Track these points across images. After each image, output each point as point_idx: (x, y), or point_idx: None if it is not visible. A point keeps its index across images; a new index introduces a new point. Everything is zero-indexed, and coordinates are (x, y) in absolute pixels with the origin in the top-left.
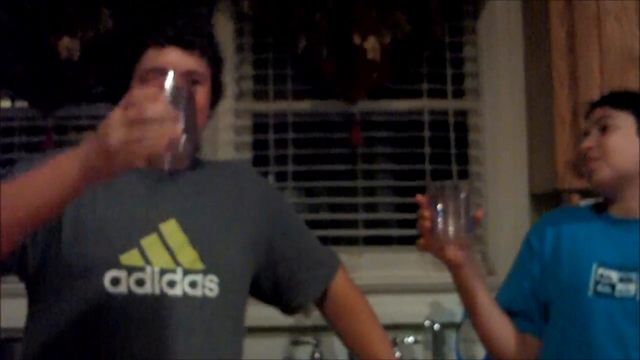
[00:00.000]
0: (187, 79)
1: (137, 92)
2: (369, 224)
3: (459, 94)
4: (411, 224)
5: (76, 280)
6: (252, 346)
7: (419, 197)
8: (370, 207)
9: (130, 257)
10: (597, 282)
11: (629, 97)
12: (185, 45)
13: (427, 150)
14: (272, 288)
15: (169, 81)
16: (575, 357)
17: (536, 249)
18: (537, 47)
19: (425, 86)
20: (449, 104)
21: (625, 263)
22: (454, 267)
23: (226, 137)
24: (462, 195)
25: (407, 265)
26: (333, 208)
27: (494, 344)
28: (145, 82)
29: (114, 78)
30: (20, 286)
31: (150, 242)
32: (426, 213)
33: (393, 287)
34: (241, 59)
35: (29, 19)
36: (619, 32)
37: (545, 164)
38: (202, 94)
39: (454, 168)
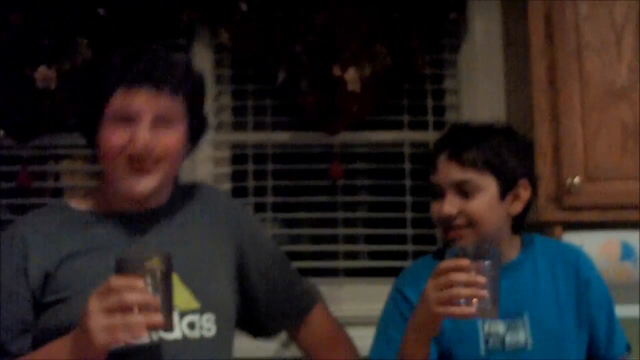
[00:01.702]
0: (168, 262)
1: (116, 281)
2: (349, 256)
3: (440, 126)
4: (388, 255)
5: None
6: None
7: (463, 261)
8: (350, 239)
9: None
10: (487, 339)
11: (488, 153)
12: (155, 84)
13: (407, 182)
14: (246, 314)
15: (148, 266)
16: None
17: (414, 301)
18: (517, 81)
19: (406, 118)
20: (430, 136)
21: (508, 310)
22: (432, 334)
23: (205, 169)
24: (490, 262)
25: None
26: (313, 240)
27: None
28: (112, 121)
29: (84, 114)
30: None
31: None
32: (481, 280)
33: (374, 319)
34: (220, 90)
35: (6, 48)
36: (599, 66)
37: None
38: (173, 137)
39: None
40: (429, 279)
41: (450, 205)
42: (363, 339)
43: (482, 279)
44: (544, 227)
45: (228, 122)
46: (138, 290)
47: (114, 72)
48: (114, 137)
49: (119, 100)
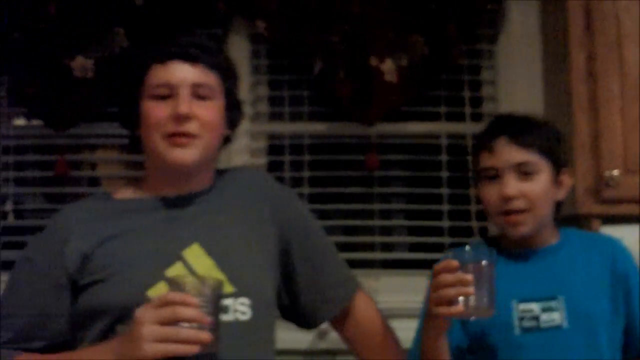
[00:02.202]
0: (220, 287)
1: (172, 295)
2: (386, 247)
3: (477, 117)
4: (425, 247)
5: (106, 320)
6: None
7: (452, 263)
8: (386, 231)
9: (158, 291)
10: (521, 319)
11: (544, 138)
12: (189, 58)
13: (444, 174)
14: (290, 303)
15: (203, 287)
16: None
17: None
18: (556, 71)
19: (442, 109)
20: (467, 128)
21: (543, 293)
22: (441, 331)
23: (241, 159)
24: (484, 263)
25: (425, 289)
26: (349, 231)
27: None
28: (152, 99)
29: (121, 98)
30: None
31: (176, 272)
32: (468, 277)
33: (410, 311)
34: (257, 80)
35: (43, 38)
36: (639, 56)
37: None
38: (212, 109)
39: (472, 192)
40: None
41: (511, 186)
42: (400, 331)
43: (468, 278)
44: (582, 220)
45: (265, 113)
46: (192, 306)
47: (148, 51)
48: (155, 111)
49: (155, 77)
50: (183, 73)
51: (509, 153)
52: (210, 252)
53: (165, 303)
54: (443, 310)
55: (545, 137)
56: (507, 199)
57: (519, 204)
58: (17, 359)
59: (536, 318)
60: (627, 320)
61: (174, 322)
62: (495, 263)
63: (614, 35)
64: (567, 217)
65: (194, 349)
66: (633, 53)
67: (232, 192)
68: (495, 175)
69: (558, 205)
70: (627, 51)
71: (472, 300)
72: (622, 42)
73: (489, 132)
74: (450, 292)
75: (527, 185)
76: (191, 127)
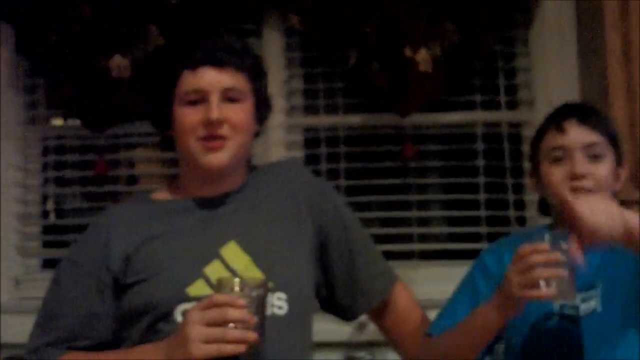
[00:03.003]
0: (265, 286)
1: (220, 297)
2: (423, 238)
3: (512, 105)
4: (463, 237)
5: (149, 319)
6: None
7: (542, 245)
8: (423, 221)
9: (197, 289)
10: (562, 307)
11: (611, 127)
12: (217, 63)
13: (480, 162)
14: (328, 296)
15: (251, 289)
16: None
17: (493, 272)
18: (591, 56)
19: (478, 98)
20: (503, 116)
21: (584, 283)
22: (514, 313)
23: (277, 153)
24: (564, 247)
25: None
26: (386, 223)
27: None
28: (184, 104)
29: (152, 100)
30: (23, 302)
31: (214, 270)
32: (562, 258)
33: None
34: (291, 74)
35: (79, 39)
36: None
37: None
38: (242, 111)
39: (509, 181)
40: (510, 263)
41: (582, 164)
42: None
43: (561, 258)
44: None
45: (300, 106)
46: (239, 307)
47: (177, 57)
48: (187, 117)
49: (186, 83)
50: (212, 78)
51: (579, 133)
52: (247, 249)
53: (212, 305)
54: (531, 292)
55: (612, 125)
56: (577, 177)
57: (587, 183)
58: (65, 358)
59: (576, 307)
60: None
61: (222, 323)
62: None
63: None
64: None
65: (241, 349)
66: None
67: (268, 187)
68: (561, 158)
69: None
70: None
71: (561, 283)
72: None
73: (558, 113)
74: (544, 272)
75: (595, 167)
76: (223, 130)
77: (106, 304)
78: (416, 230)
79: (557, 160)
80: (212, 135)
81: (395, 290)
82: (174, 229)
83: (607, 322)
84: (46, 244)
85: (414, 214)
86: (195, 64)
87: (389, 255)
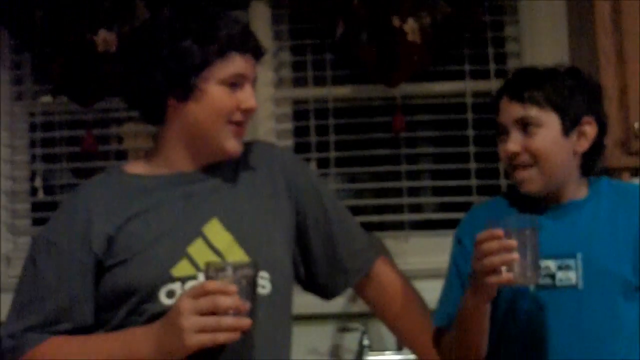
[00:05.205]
0: (256, 269)
1: (211, 285)
2: (414, 208)
3: (501, 74)
4: (454, 207)
5: (133, 300)
6: (299, 334)
7: (495, 231)
8: (414, 192)
9: (182, 269)
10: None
11: (548, 90)
12: (256, 53)
13: (470, 132)
14: (308, 275)
15: (239, 274)
16: (526, 353)
17: (470, 249)
18: (581, 24)
19: (467, 67)
20: (492, 85)
21: (561, 251)
22: (488, 298)
23: (267, 126)
24: (527, 230)
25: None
26: (377, 193)
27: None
28: (223, 84)
29: (170, 76)
30: (14, 281)
31: (197, 249)
32: (513, 242)
33: (441, 271)
34: (279, 46)
35: (65, 14)
36: None
37: None
38: (254, 99)
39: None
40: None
41: (513, 142)
42: (431, 291)
43: (512, 243)
44: (611, 174)
45: (288, 78)
46: (231, 295)
47: (226, 37)
48: (227, 98)
49: (234, 65)
50: (251, 67)
51: (509, 109)
52: (229, 226)
53: (204, 293)
54: (491, 279)
55: (554, 89)
56: (511, 155)
57: (523, 158)
58: (49, 343)
59: (552, 276)
60: None
61: (214, 311)
62: (539, 229)
63: None
64: (596, 170)
65: (236, 336)
66: None
67: (246, 165)
68: (504, 132)
69: (589, 158)
70: None
71: (517, 267)
72: None
73: (498, 92)
74: (495, 259)
75: (530, 140)
76: (246, 123)
77: (88, 287)
78: (407, 200)
79: (501, 137)
80: (243, 122)
81: (377, 265)
82: (155, 206)
83: (589, 301)
84: (36, 222)
85: (404, 184)
86: (245, 49)
87: (380, 226)
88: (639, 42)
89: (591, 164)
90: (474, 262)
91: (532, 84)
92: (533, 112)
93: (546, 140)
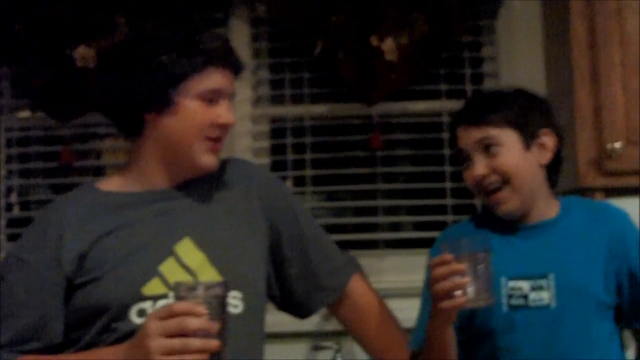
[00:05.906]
0: (226, 289)
1: (179, 306)
2: (390, 227)
3: None
4: (429, 226)
5: (104, 318)
6: (273, 352)
7: (445, 256)
8: (390, 211)
9: (153, 287)
10: (510, 296)
11: (503, 110)
12: (235, 68)
13: (446, 151)
14: (282, 293)
15: (211, 292)
16: None
17: None
18: (557, 45)
19: (443, 87)
20: None
21: (534, 271)
22: (448, 321)
23: (244, 143)
24: (479, 252)
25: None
26: (353, 212)
27: None
28: (199, 99)
29: (146, 90)
30: None
31: (168, 268)
32: (462, 266)
33: (416, 290)
34: (258, 64)
35: (45, 29)
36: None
37: (567, 163)
38: (233, 115)
39: None
40: None
41: (479, 165)
42: (405, 310)
43: (461, 267)
44: (585, 193)
45: (266, 96)
46: (199, 316)
47: (203, 51)
48: (203, 113)
49: (211, 79)
50: (230, 82)
51: (467, 135)
52: (201, 245)
53: (171, 314)
54: (445, 304)
55: (507, 107)
56: (480, 179)
57: (491, 180)
58: None
59: (525, 297)
60: (628, 298)
61: (182, 333)
62: (491, 250)
63: (614, 5)
64: (569, 190)
65: (204, 358)
66: (634, 23)
67: (222, 183)
68: (467, 158)
69: (552, 170)
70: (628, 22)
71: (470, 290)
72: (622, 13)
73: (452, 122)
74: (446, 284)
75: (494, 160)
76: (223, 139)
77: (58, 305)
78: (381, 219)
79: (465, 165)
80: (219, 138)
81: (352, 284)
82: (128, 223)
83: (563, 320)
84: (10, 237)
85: (381, 202)
86: (223, 64)
87: (356, 245)
88: (613, 62)
89: (555, 176)
90: (431, 287)
91: (486, 107)
92: (492, 131)
93: (510, 157)
